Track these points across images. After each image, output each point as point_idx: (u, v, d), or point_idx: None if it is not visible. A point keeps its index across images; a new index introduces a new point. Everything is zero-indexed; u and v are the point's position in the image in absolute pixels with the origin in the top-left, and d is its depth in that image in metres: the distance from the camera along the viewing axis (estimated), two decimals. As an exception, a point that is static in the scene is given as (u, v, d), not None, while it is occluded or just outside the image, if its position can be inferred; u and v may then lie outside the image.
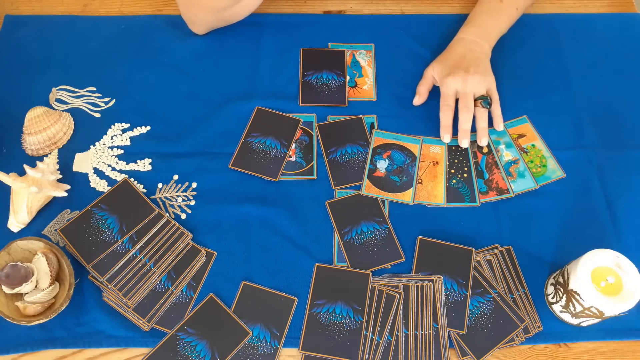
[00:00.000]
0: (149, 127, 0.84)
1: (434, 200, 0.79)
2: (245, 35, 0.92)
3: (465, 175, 0.81)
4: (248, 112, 0.85)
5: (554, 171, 0.82)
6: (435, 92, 0.86)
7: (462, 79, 0.81)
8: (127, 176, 0.80)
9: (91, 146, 0.82)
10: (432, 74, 0.85)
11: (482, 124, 0.81)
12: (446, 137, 0.82)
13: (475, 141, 0.83)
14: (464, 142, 0.81)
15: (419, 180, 0.80)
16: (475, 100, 0.81)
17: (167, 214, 0.77)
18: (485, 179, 0.81)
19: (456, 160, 0.82)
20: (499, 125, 0.83)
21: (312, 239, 0.77)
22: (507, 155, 0.83)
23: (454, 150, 0.83)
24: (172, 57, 0.90)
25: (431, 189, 0.80)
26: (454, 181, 0.81)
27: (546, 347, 0.72)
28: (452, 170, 0.81)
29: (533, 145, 0.84)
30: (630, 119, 0.87)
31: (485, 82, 0.82)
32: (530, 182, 0.81)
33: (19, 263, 0.68)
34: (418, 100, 0.86)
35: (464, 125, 0.81)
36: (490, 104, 0.82)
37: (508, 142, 0.84)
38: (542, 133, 0.85)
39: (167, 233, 0.75)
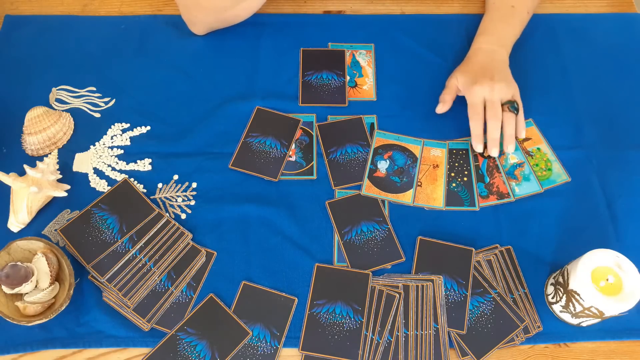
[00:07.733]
0: (149, 127, 0.84)
1: (432, 203, 0.79)
2: (245, 35, 0.92)
3: (465, 178, 0.81)
4: (248, 112, 0.85)
5: (559, 175, 0.81)
6: (435, 95, 0.86)
7: (489, 87, 0.79)
8: (127, 176, 0.80)
9: (91, 146, 0.82)
10: (456, 83, 0.83)
11: (509, 130, 0.79)
12: (479, 146, 0.80)
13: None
14: (494, 152, 0.79)
15: (419, 183, 0.80)
16: (502, 104, 0.79)
17: (167, 214, 0.77)
18: (486, 182, 0.81)
19: (457, 164, 0.82)
20: (522, 132, 0.81)
21: (312, 239, 0.77)
22: (512, 158, 0.83)
23: (454, 153, 0.83)
24: (172, 57, 0.90)
25: (430, 192, 0.80)
26: (454, 184, 0.80)
27: (546, 347, 0.72)
28: (453, 174, 0.81)
29: (538, 148, 0.84)
30: (630, 119, 0.87)
31: (510, 89, 0.81)
32: (536, 185, 0.80)
33: (19, 263, 0.68)
34: (442, 108, 0.84)
35: (493, 133, 0.79)
36: (517, 109, 0.80)
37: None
38: (542, 133, 0.85)
39: (167, 233, 0.75)
